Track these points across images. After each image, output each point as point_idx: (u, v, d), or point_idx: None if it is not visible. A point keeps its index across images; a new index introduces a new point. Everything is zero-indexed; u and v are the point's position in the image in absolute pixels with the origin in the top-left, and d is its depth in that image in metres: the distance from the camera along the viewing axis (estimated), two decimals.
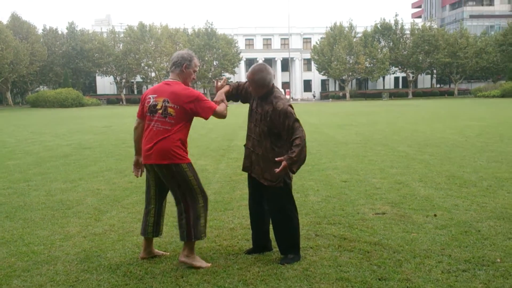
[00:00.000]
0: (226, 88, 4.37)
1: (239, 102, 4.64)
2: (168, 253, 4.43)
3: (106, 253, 4.45)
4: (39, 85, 69.31)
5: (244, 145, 4.39)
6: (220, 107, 4.15)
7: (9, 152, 12.67)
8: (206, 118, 4.11)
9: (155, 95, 4.07)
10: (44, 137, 16.83)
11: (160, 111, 4.00)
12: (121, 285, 3.69)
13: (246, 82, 4.34)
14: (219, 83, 4.39)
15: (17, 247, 4.65)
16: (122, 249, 4.57)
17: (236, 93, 4.43)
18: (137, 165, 4.37)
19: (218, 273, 3.90)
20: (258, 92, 4.16)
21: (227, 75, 69.11)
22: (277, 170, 3.90)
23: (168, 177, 3.99)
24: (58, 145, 14.24)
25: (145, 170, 4.29)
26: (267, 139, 4.09)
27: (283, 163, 3.89)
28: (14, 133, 18.72)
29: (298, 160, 3.94)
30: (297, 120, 4.01)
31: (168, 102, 3.98)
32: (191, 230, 4.00)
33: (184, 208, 4.03)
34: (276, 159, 3.95)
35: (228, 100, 4.37)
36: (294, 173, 4.07)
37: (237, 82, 4.54)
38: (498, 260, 4.11)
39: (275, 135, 4.09)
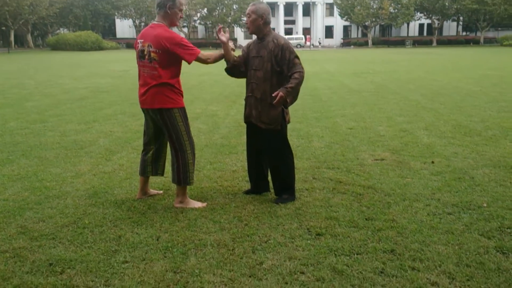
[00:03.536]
0: (231, 55, 4.31)
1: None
2: (162, 192, 4.69)
3: (113, 190, 4.75)
4: (59, 27, 69.32)
5: (244, 98, 4.52)
6: (203, 53, 4.12)
7: (28, 94, 13.05)
8: (189, 63, 4.08)
9: (142, 40, 4.11)
10: (63, 80, 17.18)
11: (146, 57, 4.06)
12: (125, 218, 3.99)
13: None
14: (223, 36, 4.22)
15: (31, 183, 4.98)
16: (128, 186, 4.86)
17: (241, 65, 4.43)
18: None
19: (216, 210, 4.17)
20: (254, 25, 4.25)
21: (246, 19, 67.86)
22: (275, 101, 4.06)
23: (160, 121, 4.14)
24: (76, 88, 14.57)
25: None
26: (267, 81, 4.20)
27: (280, 93, 4.03)
28: (34, 76, 19.10)
29: (293, 91, 4.10)
30: (297, 57, 4.20)
31: (151, 47, 4.02)
32: (180, 175, 4.19)
33: (174, 153, 4.20)
34: (273, 94, 4.08)
35: (235, 72, 4.46)
36: (287, 106, 4.22)
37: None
38: (484, 204, 4.29)
39: (276, 76, 4.20)
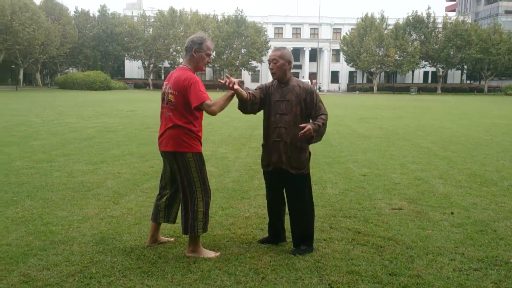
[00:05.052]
0: (244, 93, 4.09)
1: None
2: (173, 239, 4.48)
3: (122, 236, 4.54)
4: (69, 67, 70.34)
5: (262, 145, 4.36)
6: (211, 102, 3.87)
7: (35, 132, 12.95)
8: (192, 107, 3.86)
9: (167, 82, 4.07)
10: (70, 119, 17.14)
11: (165, 98, 4.00)
12: (134, 268, 3.76)
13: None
14: (231, 82, 3.92)
15: (36, 226, 4.77)
16: (138, 232, 4.65)
17: (258, 99, 4.24)
18: None
19: (230, 261, 3.94)
20: (281, 70, 4.18)
21: (254, 63, 68.84)
22: (301, 132, 3.98)
23: (174, 164, 3.99)
24: (83, 127, 14.50)
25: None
26: (297, 125, 4.11)
27: (308, 126, 3.97)
28: (41, 114, 19.09)
29: (320, 130, 4.10)
30: (321, 101, 4.26)
31: (170, 89, 3.95)
32: (188, 223, 3.99)
33: (183, 199, 4.02)
34: (301, 125, 4.03)
35: (244, 110, 4.24)
36: (311, 142, 4.17)
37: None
38: (511, 260, 4.07)
39: (305, 120, 4.19)
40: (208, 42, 4.06)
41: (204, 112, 4.04)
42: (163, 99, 4.06)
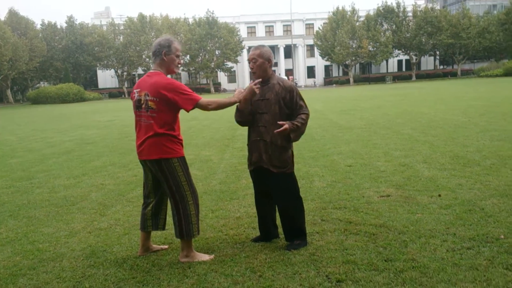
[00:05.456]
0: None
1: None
2: (167, 246, 4.41)
3: (112, 247, 4.45)
4: (40, 81, 68.93)
5: (248, 144, 4.33)
6: (204, 100, 3.91)
7: (11, 150, 12.66)
8: (187, 110, 3.89)
9: (139, 89, 3.94)
10: (46, 134, 16.83)
11: (143, 106, 3.88)
12: (128, 279, 3.69)
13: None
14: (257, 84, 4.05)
15: (22, 246, 4.64)
16: (128, 243, 4.57)
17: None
18: None
19: (225, 262, 3.90)
20: (261, 68, 4.14)
21: (229, 64, 68.65)
22: (277, 130, 3.96)
23: (159, 172, 3.91)
24: (61, 141, 14.25)
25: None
26: (276, 124, 4.06)
27: (285, 125, 3.96)
28: (16, 131, 18.71)
29: (299, 129, 4.07)
30: (302, 99, 4.20)
31: (148, 96, 3.84)
32: (182, 228, 3.93)
33: (174, 205, 3.95)
34: (279, 122, 4.00)
35: (242, 118, 4.21)
36: (290, 140, 4.13)
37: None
38: (502, 236, 4.13)
39: (285, 118, 4.12)
40: (176, 43, 3.99)
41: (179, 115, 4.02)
42: (138, 107, 3.93)
